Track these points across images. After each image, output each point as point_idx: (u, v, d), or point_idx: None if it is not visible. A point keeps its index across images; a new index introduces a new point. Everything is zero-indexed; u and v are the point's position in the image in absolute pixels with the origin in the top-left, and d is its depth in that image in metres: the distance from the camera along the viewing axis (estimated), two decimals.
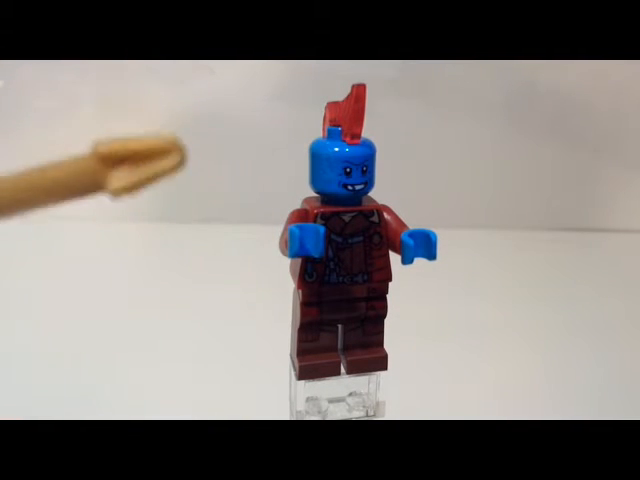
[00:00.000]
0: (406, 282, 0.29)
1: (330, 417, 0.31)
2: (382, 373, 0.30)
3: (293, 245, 0.25)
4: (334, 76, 0.55)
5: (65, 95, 0.71)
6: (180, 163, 0.10)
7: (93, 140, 0.10)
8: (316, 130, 0.27)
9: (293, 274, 0.28)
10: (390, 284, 0.29)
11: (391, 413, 0.31)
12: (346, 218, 0.27)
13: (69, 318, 0.46)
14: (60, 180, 0.11)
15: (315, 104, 0.29)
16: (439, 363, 0.44)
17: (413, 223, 0.28)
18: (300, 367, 0.29)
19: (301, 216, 0.27)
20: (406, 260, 0.26)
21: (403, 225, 0.28)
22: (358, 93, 0.25)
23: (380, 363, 0.30)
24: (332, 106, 0.27)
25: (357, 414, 0.31)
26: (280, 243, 0.27)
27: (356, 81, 0.25)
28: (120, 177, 0.10)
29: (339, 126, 0.26)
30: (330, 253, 0.27)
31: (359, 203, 0.27)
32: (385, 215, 0.28)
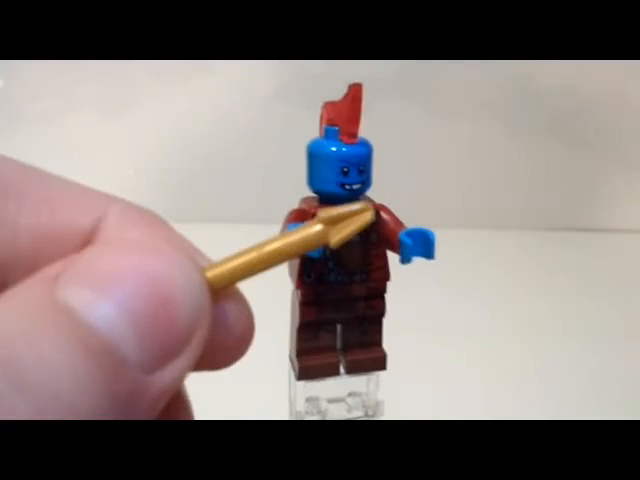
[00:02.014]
0: (404, 281, 0.29)
1: (330, 417, 0.31)
2: (381, 373, 0.30)
3: None
4: (333, 76, 0.55)
5: (65, 95, 0.71)
6: (372, 219, 0.15)
7: (320, 216, 0.14)
8: (314, 130, 0.27)
9: (292, 274, 0.28)
10: (388, 283, 0.29)
11: (391, 413, 0.31)
12: None
13: None
14: (290, 251, 0.14)
15: (313, 104, 0.29)
16: (438, 363, 0.44)
17: (412, 223, 0.28)
18: (300, 367, 0.29)
19: (299, 216, 0.27)
20: (404, 259, 0.26)
21: (401, 224, 0.28)
22: (355, 93, 0.25)
23: (379, 363, 0.30)
24: (329, 106, 0.27)
25: (356, 414, 0.31)
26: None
27: (355, 81, 0.25)
28: (336, 232, 0.14)
29: (336, 126, 0.26)
30: (328, 253, 0.27)
31: None
32: (383, 214, 0.28)
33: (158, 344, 0.12)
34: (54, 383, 0.10)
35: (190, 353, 0.12)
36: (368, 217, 0.14)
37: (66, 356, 0.11)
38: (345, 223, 0.14)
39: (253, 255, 0.14)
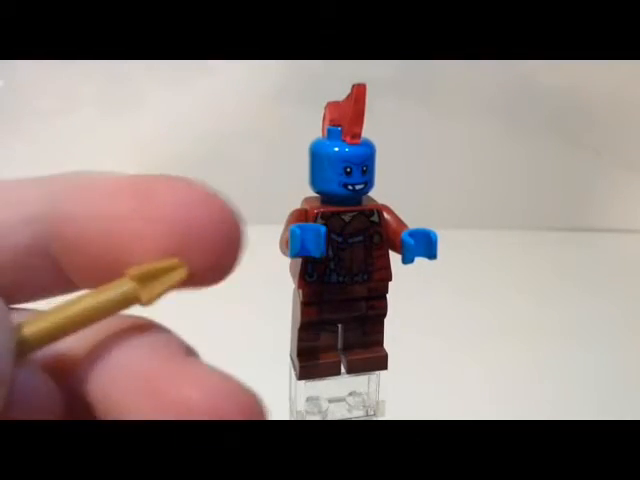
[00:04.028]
0: (406, 282, 0.29)
1: (330, 417, 0.31)
2: (382, 372, 0.30)
3: (294, 245, 0.25)
4: (334, 76, 0.55)
5: (65, 95, 0.71)
6: (186, 276, 0.14)
7: (127, 271, 0.13)
8: (316, 130, 0.27)
9: (293, 274, 0.28)
10: (390, 284, 0.29)
11: (391, 412, 0.31)
12: (346, 218, 0.27)
13: None
14: (102, 309, 0.13)
15: (315, 104, 0.29)
16: (440, 363, 0.44)
17: (413, 223, 0.28)
18: (300, 367, 0.29)
19: (301, 216, 0.27)
20: (406, 259, 0.26)
21: (403, 225, 0.28)
22: (358, 93, 0.25)
23: (380, 362, 0.30)
24: (332, 106, 0.27)
25: (357, 413, 0.31)
26: (281, 243, 0.27)
27: (356, 81, 0.25)
28: (148, 290, 0.13)
29: (339, 126, 0.26)
30: (330, 253, 0.27)
31: (359, 203, 0.27)
32: (385, 215, 0.28)
33: None
34: None
35: None
36: (182, 274, 0.13)
37: None
38: (158, 280, 0.13)
39: (59, 317, 0.13)
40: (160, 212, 0.13)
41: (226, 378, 0.13)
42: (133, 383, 0.13)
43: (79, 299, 0.13)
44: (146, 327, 0.14)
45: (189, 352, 0.14)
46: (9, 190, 0.14)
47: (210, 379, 0.13)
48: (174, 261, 0.13)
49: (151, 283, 0.13)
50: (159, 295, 0.14)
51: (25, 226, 0.14)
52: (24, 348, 0.13)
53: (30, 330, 0.13)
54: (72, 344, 0.14)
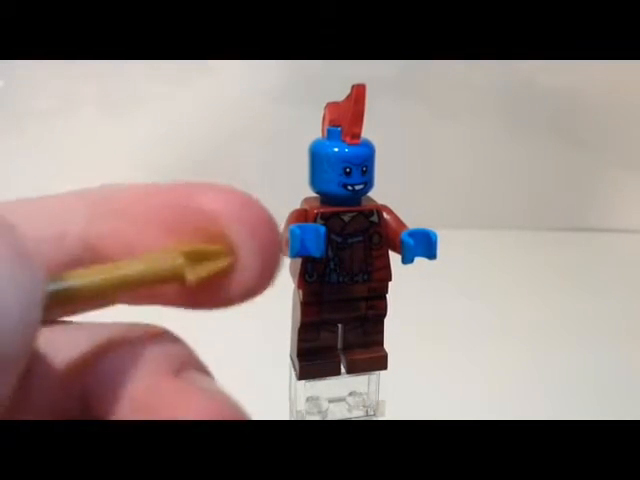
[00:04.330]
0: (406, 282, 0.29)
1: (330, 417, 0.31)
2: (382, 372, 0.30)
3: (294, 245, 0.25)
4: (334, 76, 0.55)
5: (65, 95, 0.71)
6: (233, 266, 0.13)
7: (176, 249, 0.13)
8: (316, 130, 0.27)
9: (293, 274, 0.28)
10: (390, 284, 0.29)
11: (391, 412, 0.31)
12: (346, 218, 0.27)
13: None
14: (147, 277, 0.13)
15: (315, 104, 0.29)
16: (439, 363, 0.44)
17: (413, 223, 0.28)
18: (300, 367, 0.29)
19: (301, 216, 0.27)
20: (406, 259, 0.26)
21: (403, 225, 0.28)
22: (358, 93, 0.25)
23: (380, 362, 0.30)
24: (332, 106, 0.27)
25: (357, 413, 0.31)
26: (280, 243, 0.27)
27: (356, 81, 0.25)
28: (195, 270, 0.13)
29: (339, 126, 0.26)
30: (330, 253, 0.27)
31: (359, 203, 0.27)
32: (385, 215, 0.28)
33: None
34: None
35: None
36: (230, 261, 0.13)
37: None
38: (205, 262, 0.13)
39: (100, 275, 0.12)
40: (203, 222, 0.13)
41: (230, 404, 0.13)
42: (135, 408, 0.13)
43: (125, 262, 0.13)
44: (159, 338, 0.14)
45: (201, 370, 0.14)
46: (43, 206, 0.14)
47: (211, 405, 0.13)
48: (222, 247, 0.13)
49: (198, 264, 0.13)
50: (204, 277, 0.13)
51: (59, 241, 0.14)
52: (56, 302, 0.11)
53: (65, 283, 0.12)
54: (81, 356, 0.14)
